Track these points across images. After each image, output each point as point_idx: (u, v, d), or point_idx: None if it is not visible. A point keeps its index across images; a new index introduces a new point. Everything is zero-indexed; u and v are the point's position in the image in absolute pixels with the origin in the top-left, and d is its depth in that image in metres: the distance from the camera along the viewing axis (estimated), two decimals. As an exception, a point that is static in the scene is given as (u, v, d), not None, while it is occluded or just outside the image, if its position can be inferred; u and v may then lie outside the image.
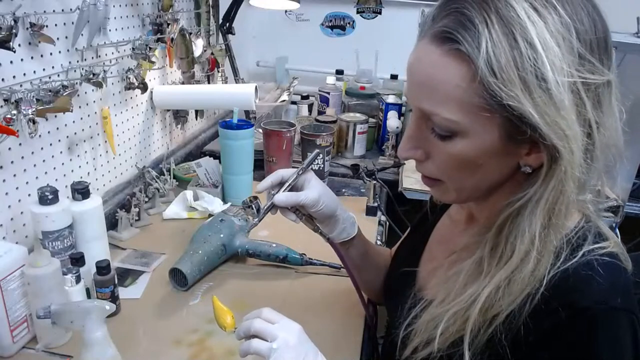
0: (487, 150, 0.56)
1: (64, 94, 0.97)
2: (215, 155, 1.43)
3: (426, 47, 0.55)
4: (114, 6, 1.16)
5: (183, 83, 1.55)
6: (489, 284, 0.57)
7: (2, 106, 0.88)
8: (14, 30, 0.84)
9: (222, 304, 0.73)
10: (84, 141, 1.13)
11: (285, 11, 2.21)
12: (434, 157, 0.61)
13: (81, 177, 1.13)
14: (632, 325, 0.55)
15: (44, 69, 0.97)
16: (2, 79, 0.88)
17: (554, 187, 0.53)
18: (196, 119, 1.74)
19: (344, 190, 1.50)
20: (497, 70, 0.50)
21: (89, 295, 0.91)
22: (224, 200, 1.34)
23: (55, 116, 1.02)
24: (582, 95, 0.51)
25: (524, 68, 0.49)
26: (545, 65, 0.49)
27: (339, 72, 2.05)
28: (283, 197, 0.77)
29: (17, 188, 0.95)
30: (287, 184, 0.78)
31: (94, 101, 1.15)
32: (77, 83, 1.04)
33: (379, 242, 1.23)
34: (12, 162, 0.93)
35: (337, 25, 2.28)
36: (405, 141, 0.62)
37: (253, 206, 0.79)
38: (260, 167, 1.48)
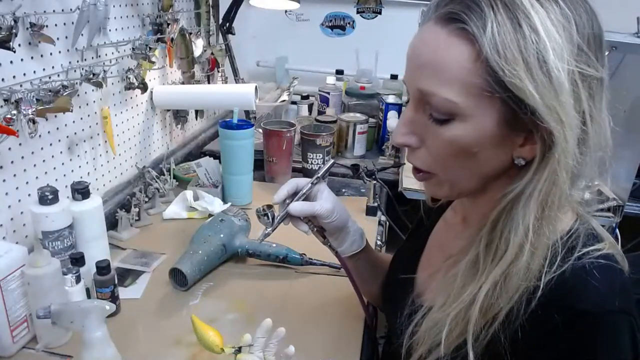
0: (483, 137, 0.56)
1: (64, 94, 0.97)
2: (215, 155, 1.43)
3: (431, 28, 0.56)
4: (114, 6, 1.16)
5: (183, 83, 1.55)
6: (486, 281, 0.57)
7: (2, 106, 0.88)
8: (14, 30, 0.84)
9: (202, 322, 0.73)
10: (84, 141, 1.13)
11: (285, 11, 2.21)
12: (428, 145, 0.60)
13: (81, 177, 1.13)
14: (630, 327, 0.54)
15: (44, 69, 0.97)
16: (2, 79, 0.88)
17: (547, 177, 0.54)
18: (196, 119, 1.74)
19: (344, 190, 1.50)
20: (500, 49, 0.51)
21: (89, 295, 0.91)
22: (224, 200, 1.33)
23: (55, 116, 1.02)
24: (578, 84, 0.52)
25: (526, 49, 0.50)
26: (547, 50, 0.50)
27: (339, 72, 2.05)
28: (298, 206, 0.76)
29: (17, 188, 0.95)
30: (301, 193, 0.77)
31: (94, 101, 1.15)
32: (77, 83, 1.04)
33: (379, 242, 1.23)
34: (12, 162, 0.93)
35: (337, 25, 2.28)
36: (400, 126, 0.62)
37: (268, 215, 0.77)
38: (260, 167, 1.48)
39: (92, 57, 1.12)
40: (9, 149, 0.92)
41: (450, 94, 0.54)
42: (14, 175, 0.94)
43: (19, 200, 0.96)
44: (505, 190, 0.57)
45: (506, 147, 0.57)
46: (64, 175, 1.08)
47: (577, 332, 0.54)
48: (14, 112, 0.87)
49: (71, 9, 1.00)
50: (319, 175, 0.80)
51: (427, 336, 0.62)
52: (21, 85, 0.91)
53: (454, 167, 0.60)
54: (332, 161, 0.84)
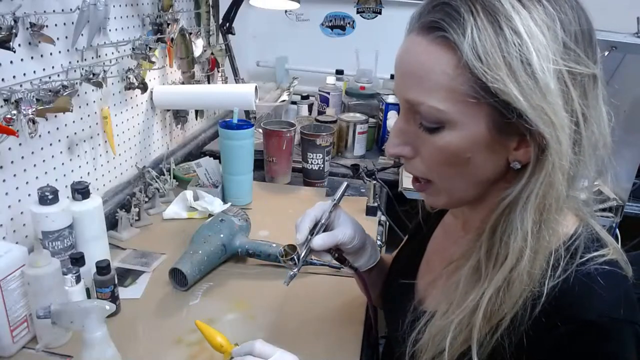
0: (475, 143, 0.55)
1: (64, 94, 0.97)
2: (215, 155, 1.43)
3: (414, 38, 0.56)
4: (114, 6, 1.16)
5: (183, 83, 1.55)
6: (489, 287, 0.56)
7: (2, 106, 0.88)
8: (14, 30, 0.84)
9: (207, 325, 0.73)
10: (84, 141, 1.13)
11: (285, 11, 2.21)
12: (422, 154, 0.60)
13: (81, 177, 1.13)
14: (636, 336, 0.54)
15: (44, 69, 0.97)
16: (2, 79, 0.88)
17: (543, 180, 0.53)
18: (196, 119, 1.74)
19: (344, 190, 1.50)
20: (482, 55, 0.50)
21: (89, 295, 0.91)
22: (224, 200, 1.33)
23: (55, 116, 1.02)
24: (568, 84, 0.52)
25: (509, 53, 0.50)
26: (530, 51, 0.50)
27: (339, 72, 2.06)
28: (320, 240, 0.73)
29: (17, 188, 0.95)
30: (320, 224, 0.75)
31: (94, 101, 1.15)
32: (77, 83, 1.04)
33: (379, 242, 1.23)
34: (12, 162, 0.93)
35: (337, 25, 2.28)
36: (392, 137, 0.62)
37: (294, 257, 0.74)
38: (260, 167, 1.48)
39: (92, 57, 1.12)
40: (9, 149, 0.92)
41: (436, 102, 0.54)
42: (14, 175, 0.94)
43: (19, 200, 0.96)
44: (502, 195, 0.56)
45: (500, 152, 0.56)
46: (64, 175, 1.08)
47: (582, 343, 0.53)
48: (14, 112, 0.87)
49: (71, 9, 1.00)
50: (335, 201, 0.78)
51: (430, 343, 0.61)
52: (21, 85, 0.91)
53: (450, 174, 0.59)
54: (345, 184, 0.82)
